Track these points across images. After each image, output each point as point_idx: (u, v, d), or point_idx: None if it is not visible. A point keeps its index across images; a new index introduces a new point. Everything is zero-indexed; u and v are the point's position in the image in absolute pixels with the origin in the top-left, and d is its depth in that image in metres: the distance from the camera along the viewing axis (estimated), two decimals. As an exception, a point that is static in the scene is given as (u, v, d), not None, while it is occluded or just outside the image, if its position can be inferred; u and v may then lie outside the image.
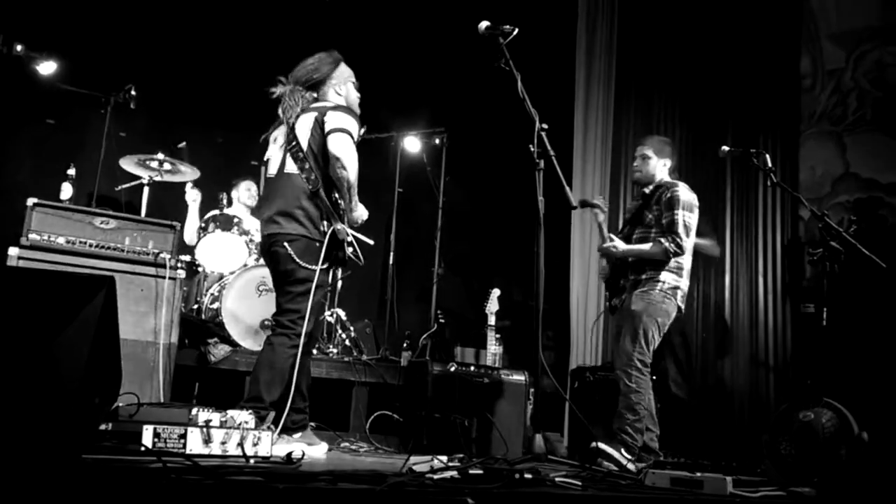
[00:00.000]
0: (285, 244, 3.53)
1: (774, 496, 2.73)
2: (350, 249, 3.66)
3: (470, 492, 2.11)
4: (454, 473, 2.43)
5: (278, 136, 3.74)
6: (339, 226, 3.57)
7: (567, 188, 3.17)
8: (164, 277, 4.24)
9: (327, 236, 3.53)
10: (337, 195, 3.62)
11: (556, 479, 2.52)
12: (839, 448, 3.05)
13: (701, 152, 6.38)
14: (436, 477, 2.34)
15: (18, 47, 5.01)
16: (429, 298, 6.15)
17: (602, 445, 3.83)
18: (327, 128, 3.55)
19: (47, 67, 5.14)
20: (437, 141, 6.40)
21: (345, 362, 5.21)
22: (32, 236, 3.99)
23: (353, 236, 3.70)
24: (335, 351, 5.53)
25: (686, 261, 4.28)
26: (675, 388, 4.98)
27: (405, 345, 5.89)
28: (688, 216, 4.20)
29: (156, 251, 4.25)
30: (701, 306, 6.20)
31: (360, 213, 3.74)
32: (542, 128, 3.18)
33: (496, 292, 5.44)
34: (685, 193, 4.24)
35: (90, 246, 4.11)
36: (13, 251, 3.95)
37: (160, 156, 5.09)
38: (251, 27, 3.98)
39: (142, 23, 5.91)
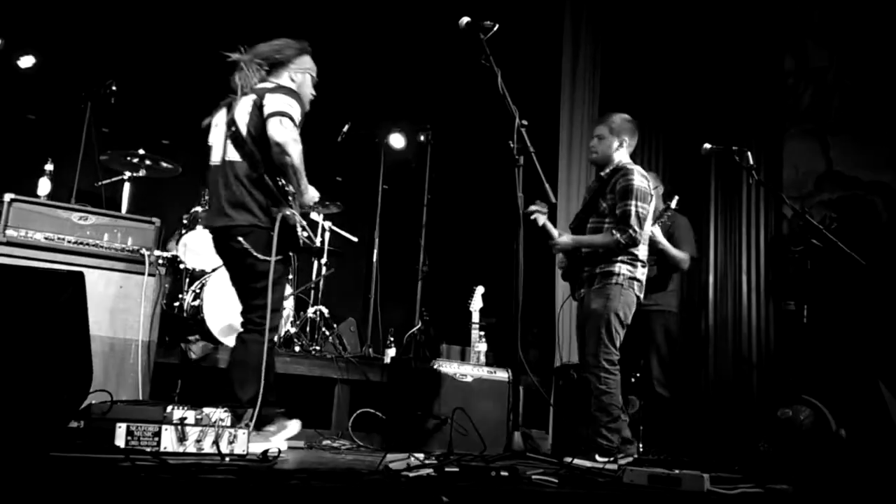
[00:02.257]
0: (240, 239, 3.45)
1: (752, 493, 2.72)
2: (304, 234, 3.56)
3: (444, 490, 2.10)
4: (430, 471, 2.41)
5: (219, 121, 3.63)
6: (289, 211, 3.47)
7: (546, 184, 3.17)
8: (143, 274, 4.20)
9: (277, 223, 3.43)
10: (283, 180, 3.51)
11: (533, 476, 2.51)
12: (817, 445, 3.06)
13: (684, 151, 6.39)
14: (411, 475, 2.33)
15: (-2, 42, 4.95)
16: (414, 296, 6.13)
17: (577, 462, 3.70)
18: (266, 111, 3.43)
19: (27, 62, 5.09)
20: (422, 138, 6.38)
21: (327, 360, 5.18)
22: (10, 232, 3.94)
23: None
24: (318, 348, 5.51)
25: (642, 251, 4.13)
26: (659, 387, 4.97)
27: (389, 342, 5.88)
28: (641, 206, 4.02)
29: (136, 247, 4.21)
30: (685, 304, 6.20)
31: (311, 195, 3.64)
32: (521, 124, 3.18)
33: (480, 290, 5.44)
34: (639, 181, 4.04)
35: (69, 242, 4.06)
36: (-10, 247, 3.90)
37: (141, 151, 5.04)
38: (232, 22, 3.95)
39: (123, 17, 5.86)
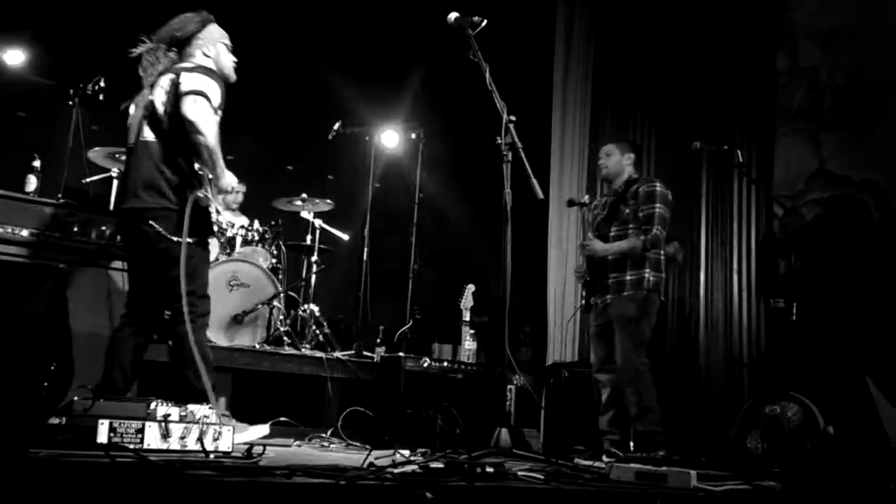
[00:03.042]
0: (152, 222, 3.30)
1: (739, 490, 2.72)
2: (215, 217, 3.47)
3: (429, 486, 2.08)
4: (415, 468, 2.40)
5: (138, 102, 3.51)
6: (201, 193, 3.36)
7: (533, 180, 3.16)
8: (131, 271, 4.17)
9: (189, 204, 3.30)
10: (199, 162, 3.40)
11: (519, 472, 2.49)
12: (804, 442, 3.05)
13: (675, 148, 6.38)
14: (396, 471, 2.31)
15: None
16: (405, 294, 6.11)
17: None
18: (181, 90, 3.30)
19: (15, 57, 5.06)
20: (414, 136, 6.36)
21: (317, 358, 5.16)
22: (-5, 229, 3.92)
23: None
24: (308, 347, 5.49)
25: (661, 253, 4.41)
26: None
27: (379, 340, 5.86)
28: (665, 210, 4.35)
29: (122, 244, 4.18)
30: (676, 303, 6.20)
31: (229, 179, 3.49)
32: (509, 119, 3.17)
33: (471, 288, 5.43)
34: (662, 188, 4.40)
35: (54, 238, 4.04)
36: (-25, 244, 3.87)
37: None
38: (222, 18, 3.93)
39: (111, 14, 5.83)
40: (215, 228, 3.47)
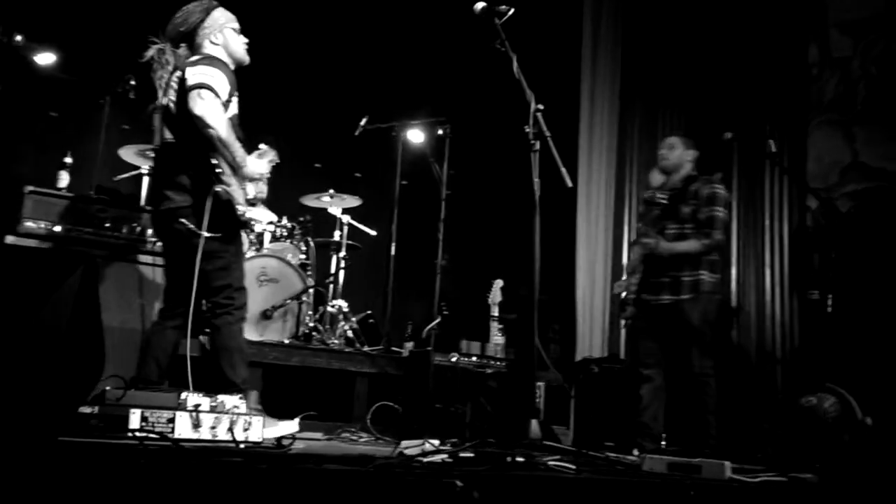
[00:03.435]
0: (183, 220, 3.31)
1: (775, 481, 2.67)
2: (241, 210, 3.40)
3: (459, 474, 2.07)
4: (445, 457, 2.38)
5: (158, 104, 3.49)
6: (220, 188, 3.32)
7: (563, 169, 3.12)
8: (161, 266, 4.21)
9: (209, 200, 3.29)
10: (216, 155, 3.35)
11: (550, 462, 2.47)
12: (842, 433, 2.99)
13: (705, 140, 6.31)
14: (425, 460, 2.30)
15: (18, 38, 4.97)
16: (432, 290, 6.10)
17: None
18: (186, 85, 3.26)
19: (46, 58, 5.11)
20: (440, 131, 6.34)
21: (346, 353, 5.17)
22: (28, 224, 3.96)
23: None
24: (337, 342, 5.50)
25: (716, 256, 4.42)
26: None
27: (407, 335, 5.85)
28: (726, 214, 4.35)
29: (153, 240, 4.22)
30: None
31: (253, 166, 3.46)
32: (537, 108, 3.14)
33: (499, 283, 5.41)
34: (724, 191, 4.39)
35: (87, 234, 4.08)
36: (10, 239, 3.91)
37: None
38: (251, 17, 3.94)
39: (140, 13, 5.88)
40: (242, 221, 3.43)
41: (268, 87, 3.67)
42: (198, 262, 3.25)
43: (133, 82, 5.08)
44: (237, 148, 3.37)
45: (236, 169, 3.40)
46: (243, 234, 5.21)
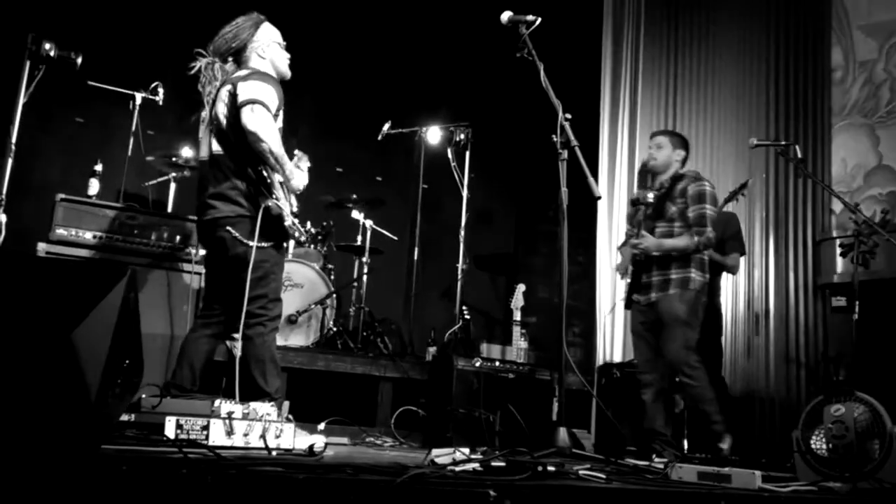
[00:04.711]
0: (229, 228, 3.38)
1: (805, 491, 2.67)
2: (288, 222, 3.46)
3: (492, 483, 2.09)
4: (476, 466, 2.40)
5: (205, 115, 3.58)
6: (270, 202, 3.38)
7: (591, 178, 3.14)
8: (190, 272, 4.27)
9: (260, 212, 3.36)
10: (266, 169, 3.42)
11: (581, 471, 2.48)
12: (871, 442, 2.98)
13: (730, 145, 6.31)
14: (458, 469, 2.32)
15: (47, 45, 5.04)
16: (454, 294, 6.13)
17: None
18: (238, 101, 3.34)
19: (76, 65, 5.17)
20: (462, 136, 6.37)
21: (369, 357, 5.21)
22: (60, 231, 4.04)
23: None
24: (360, 346, 5.54)
25: (706, 256, 4.39)
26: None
27: (430, 340, 5.88)
28: (714, 211, 4.31)
29: (181, 246, 4.28)
30: (730, 302, 6.11)
31: (298, 181, 3.55)
32: (565, 117, 3.15)
33: (521, 288, 5.42)
34: (711, 188, 4.35)
35: (117, 241, 4.14)
36: (41, 246, 4.00)
37: (188, 153, 5.12)
38: (278, 23, 3.99)
39: (168, 20, 5.96)
40: (289, 233, 3.51)
41: (291, 90, 3.70)
42: (249, 272, 3.32)
43: (161, 89, 5.14)
44: (286, 161, 3.45)
45: (286, 181, 3.48)
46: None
